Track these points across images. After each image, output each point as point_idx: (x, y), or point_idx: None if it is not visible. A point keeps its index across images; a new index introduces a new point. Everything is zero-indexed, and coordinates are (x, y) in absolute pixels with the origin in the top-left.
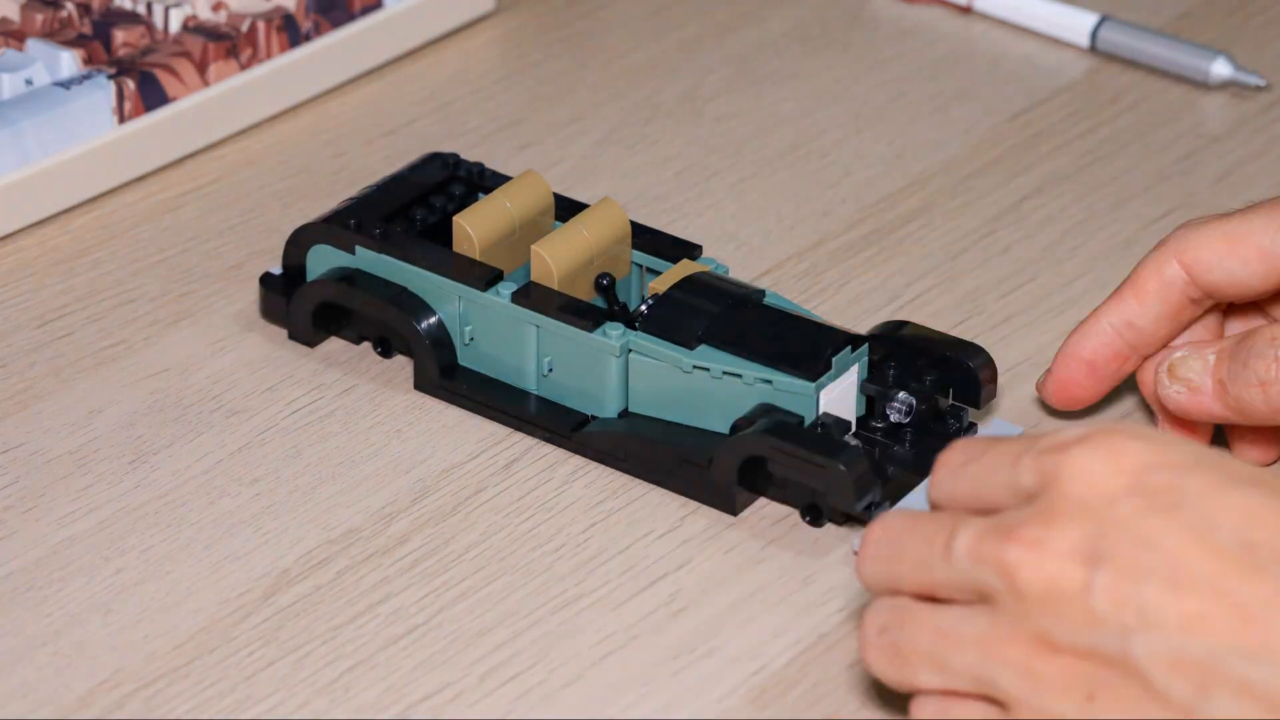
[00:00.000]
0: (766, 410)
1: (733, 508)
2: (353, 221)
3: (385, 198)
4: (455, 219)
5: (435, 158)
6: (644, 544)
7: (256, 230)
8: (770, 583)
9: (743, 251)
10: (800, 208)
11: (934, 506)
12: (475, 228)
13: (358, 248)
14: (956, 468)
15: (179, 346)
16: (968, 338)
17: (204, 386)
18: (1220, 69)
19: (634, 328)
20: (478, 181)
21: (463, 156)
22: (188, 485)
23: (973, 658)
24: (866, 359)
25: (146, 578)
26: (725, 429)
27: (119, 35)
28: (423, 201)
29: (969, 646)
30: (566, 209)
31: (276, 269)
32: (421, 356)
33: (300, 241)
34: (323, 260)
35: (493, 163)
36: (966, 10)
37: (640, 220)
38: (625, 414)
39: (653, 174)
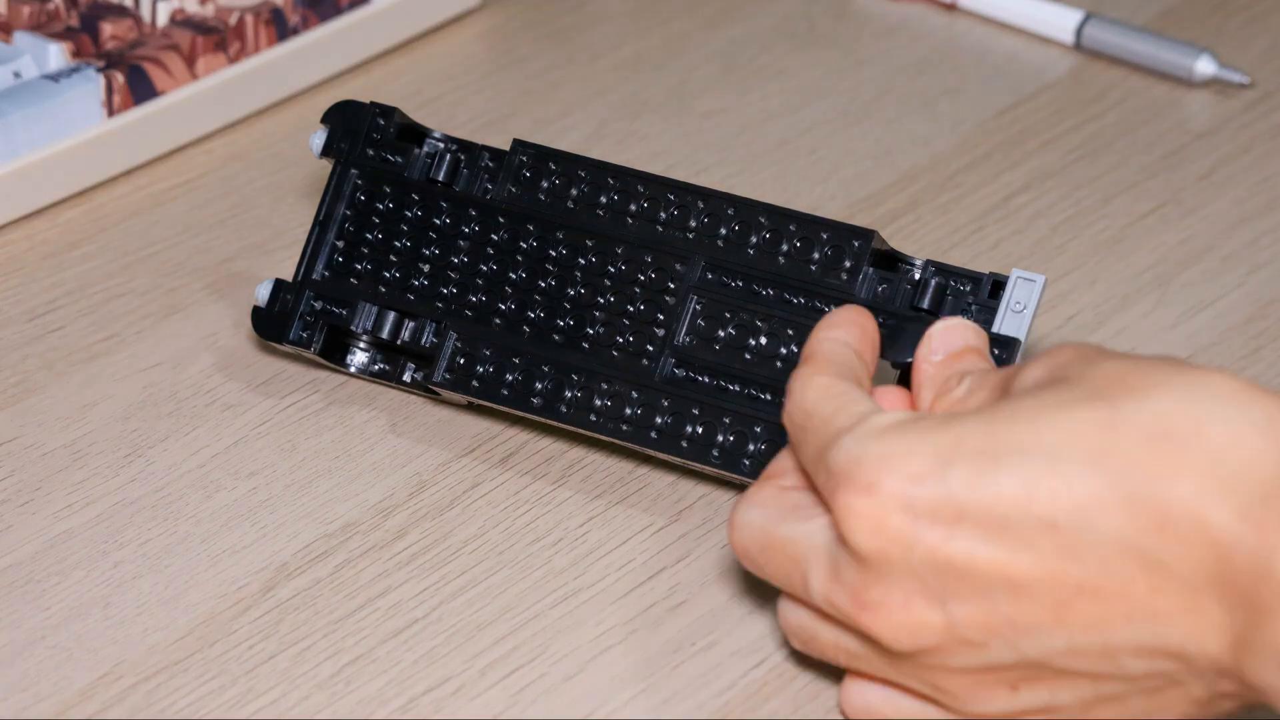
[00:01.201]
0: None
1: None
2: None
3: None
4: None
5: None
6: (642, 538)
7: (246, 223)
8: None
9: None
10: (788, 203)
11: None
12: None
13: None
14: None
15: (171, 340)
16: None
17: (198, 380)
18: (1204, 66)
19: None
20: None
21: None
22: (184, 479)
23: (889, 670)
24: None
25: (145, 571)
26: None
27: (107, 28)
28: None
29: (875, 662)
30: None
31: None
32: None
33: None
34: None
35: None
36: (951, 7)
37: None
38: None
39: (641, 168)
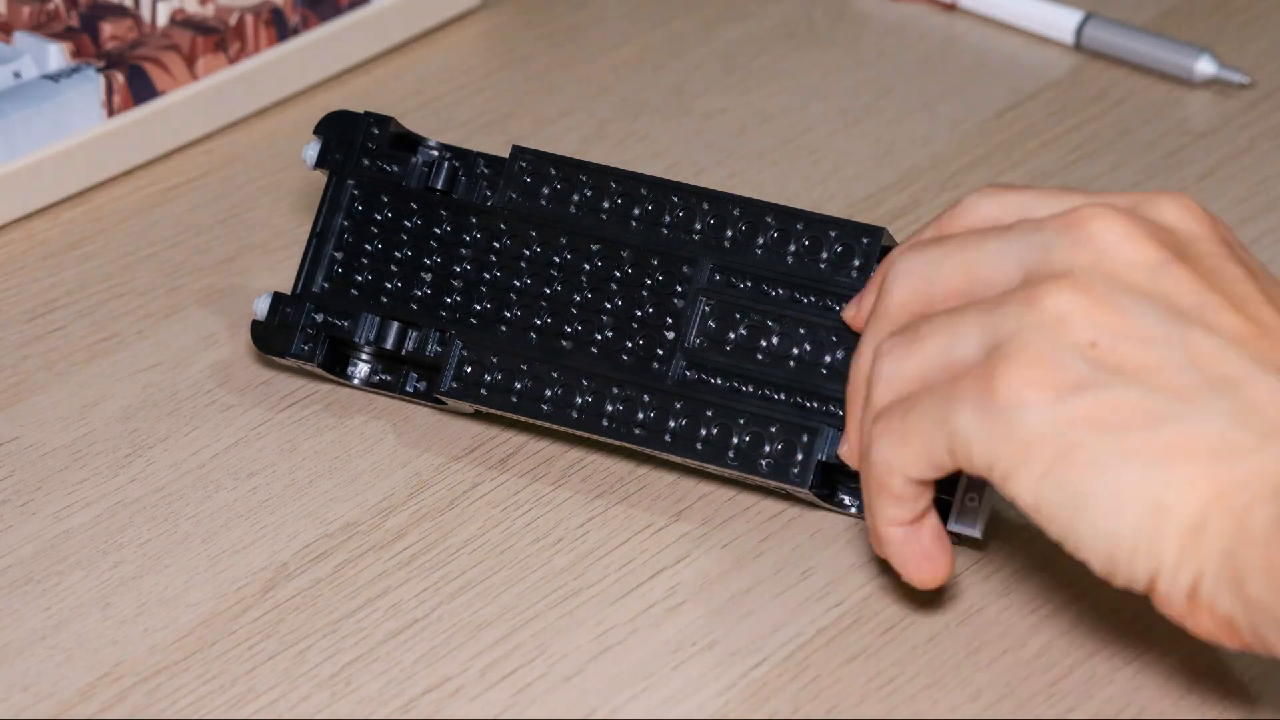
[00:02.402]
0: None
1: None
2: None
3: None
4: None
5: None
6: (642, 538)
7: (246, 224)
8: (769, 576)
9: None
10: (789, 203)
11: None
12: None
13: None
14: (936, 258)
15: (171, 340)
16: None
17: (198, 380)
18: (1204, 66)
19: None
20: None
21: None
22: (184, 479)
23: (986, 307)
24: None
25: (145, 571)
26: None
27: (107, 28)
28: None
29: (986, 302)
30: None
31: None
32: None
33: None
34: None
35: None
36: (951, 7)
37: None
38: None
39: (641, 168)
